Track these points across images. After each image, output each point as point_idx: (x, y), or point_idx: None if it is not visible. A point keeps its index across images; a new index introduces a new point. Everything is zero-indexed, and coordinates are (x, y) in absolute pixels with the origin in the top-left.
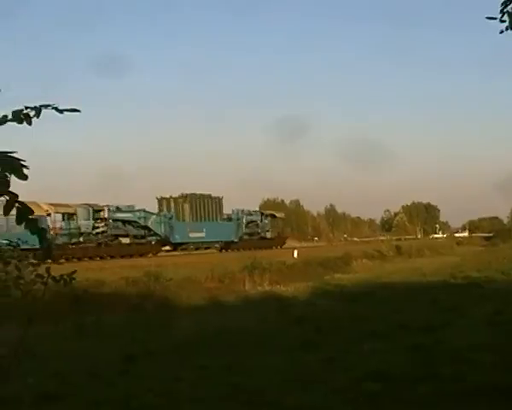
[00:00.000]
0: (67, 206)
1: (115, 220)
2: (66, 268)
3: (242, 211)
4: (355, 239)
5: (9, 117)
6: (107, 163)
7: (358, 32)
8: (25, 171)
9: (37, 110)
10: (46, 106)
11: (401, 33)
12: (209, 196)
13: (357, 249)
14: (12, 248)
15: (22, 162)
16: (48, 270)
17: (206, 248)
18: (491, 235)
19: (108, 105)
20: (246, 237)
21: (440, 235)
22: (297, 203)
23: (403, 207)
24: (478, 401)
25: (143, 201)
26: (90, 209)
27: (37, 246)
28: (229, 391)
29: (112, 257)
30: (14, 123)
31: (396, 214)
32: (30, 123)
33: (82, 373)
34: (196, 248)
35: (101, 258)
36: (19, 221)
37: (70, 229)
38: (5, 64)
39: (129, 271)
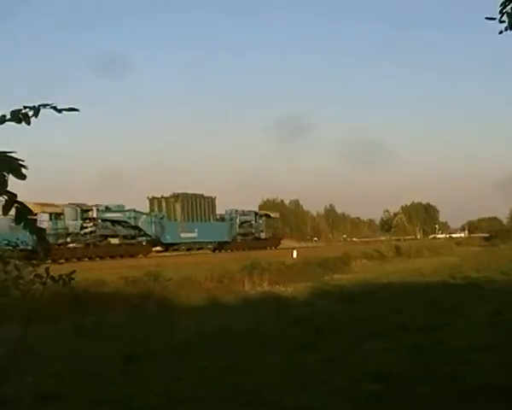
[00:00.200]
0: (54, 205)
1: (104, 220)
2: (66, 268)
3: (236, 211)
4: (354, 239)
5: (8, 117)
6: (107, 163)
7: (358, 32)
8: (23, 171)
9: (36, 110)
10: (45, 105)
11: (401, 33)
12: (201, 196)
13: (356, 250)
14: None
15: (21, 162)
16: (47, 270)
17: (198, 249)
18: (490, 235)
19: (108, 105)
20: (239, 237)
21: (443, 235)
22: (296, 203)
23: (402, 207)
24: (477, 401)
25: (142, 201)
26: (78, 209)
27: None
28: (228, 391)
29: (101, 258)
30: (13, 123)
31: (395, 215)
32: (29, 123)
33: (82, 373)
34: (188, 249)
35: (90, 259)
36: (17, 221)
37: (57, 229)
38: (5, 64)
39: (129, 271)
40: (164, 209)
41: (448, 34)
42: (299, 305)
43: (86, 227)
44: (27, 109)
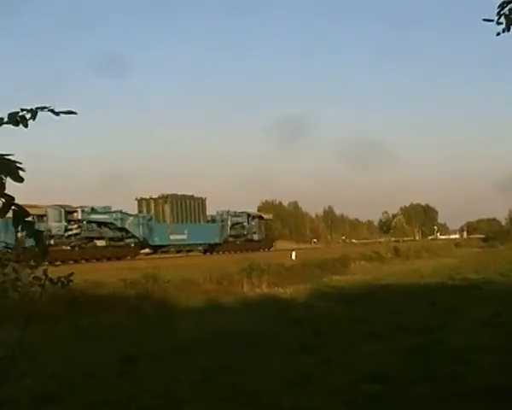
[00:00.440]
0: (36, 207)
1: (90, 222)
2: (62, 270)
3: (227, 212)
4: (353, 241)
5: (5, 119)
6: (106, 165)
7: (358, 32)
8: (21, 173)
9: (34, 112)
10: (42, 108)
11: (401, 34)
12: (191, 197)
13: (355, 251)
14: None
15: (18, 165)
16: (45, 272)
17: (188, 251)
18: (489, 236)
19: (107, 106)
20: (231, 239)
21: (445, 236)
22: (295, 205)
23: (401, 208)
24: (476, 402)
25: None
26: (62, 210)
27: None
28: (228, 393)
29: (87, 260)
30: (10, 125)
31: (394, 216)
32: (26, 125)
33: (80, 375)
34: (178, 251)
35: (76, 261)
36: (15, 224)
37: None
38: (5, 65)
39: (127, 272)
40: (152, 210)
41: (448, 34)
42: (299, 306)
43: (71, 229)
44: (25, 112)
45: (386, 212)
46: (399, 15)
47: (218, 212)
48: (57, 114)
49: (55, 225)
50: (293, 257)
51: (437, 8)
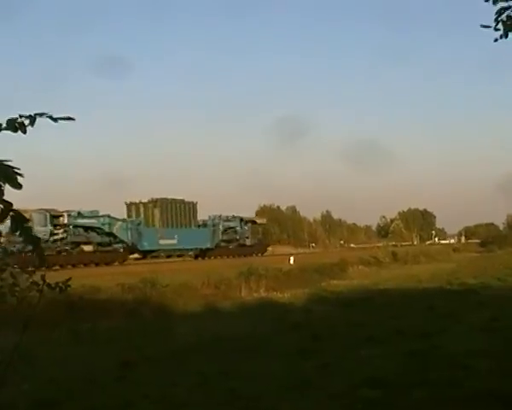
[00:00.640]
0: (21, 211)
1: (76, 227)
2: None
3: (219, 217)
4: (352, 245)
5: (4, 125)
6: (105, 167)
7: (358, 33)
8: (19, 179)
9: (32, 119)
10: (41, 114)
11: (400, 35)
12: (182, 201)
13: (353, 256)
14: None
15: (17, 171)
16: (43, 277)
17: (178, 256)
18: (487, 241)
19: (106, 107)
20: (223, 244)
21: (446, 241)
22: (293, 209)
23: (399, 213)
24: (474, 407)
25: None
26: (48, 215)
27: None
28: (225, 397)
29: (73, 266)
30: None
31: (392, 221)
32: (24, 132)
33: (78, 379)
34: (168, 256)
35: (61, 266)
36: (14, 229)
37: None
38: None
39: (124, 277)
40: (142, 215)
41: (447, 36)
42: (297, 311)
43: (56, 234)
44: (23, 118)
45: (384, 216)
46: (398, 16)
47: (209, 216)
48: (56, 120)
49: (40, 229)
50: (292, 262)
51: (436, 9)
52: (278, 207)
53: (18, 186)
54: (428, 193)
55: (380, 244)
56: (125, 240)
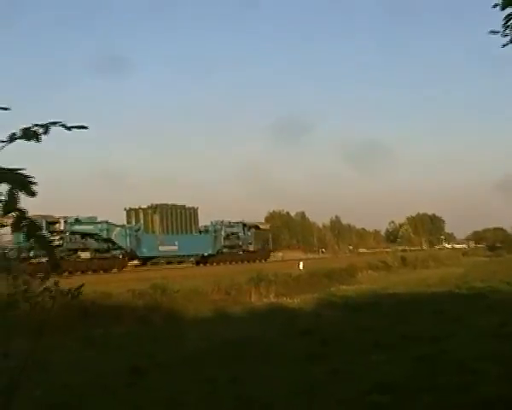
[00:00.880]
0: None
1: (73, 233)
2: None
3: (221, 222)
4: (361, 250)
5: (18, 134)
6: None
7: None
8: (33, 187)
9: (46, 128)
10: (54, 123)
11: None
12: (182, 207)
13: (362, 261)
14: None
15: (30, 179)
16: (56, 283)
17: (179, 263)
18: (496, 245)
19: (104, 106)
20: (225, 250)
21: (453, 246)
22: (302, 215)
23: (408, 218)
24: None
25: None
26: (43, 221)
27: None
28: (235, 403)
29: (70, 273)
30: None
31: (401, 226)
32: (38, 140)
33: (90, 385)
34: (168, 263)
35: (58, 274)
36: (28, 237)
37: (19, 243)
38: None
39: (135, 283)
40: (141, 221)
41: (447, 36)
42: (306, 316)
43: (52, 241)
44: (37, 127)
45: (393, 221)
46: (400, 12)
47: (211, 222)
48: (69, 128)
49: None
50: (301, 267)
51: (439, 7)
52: (288, 213)
53: (32, 194)
54: (437, 198)
55: (389, 249)
56: (124, 246)
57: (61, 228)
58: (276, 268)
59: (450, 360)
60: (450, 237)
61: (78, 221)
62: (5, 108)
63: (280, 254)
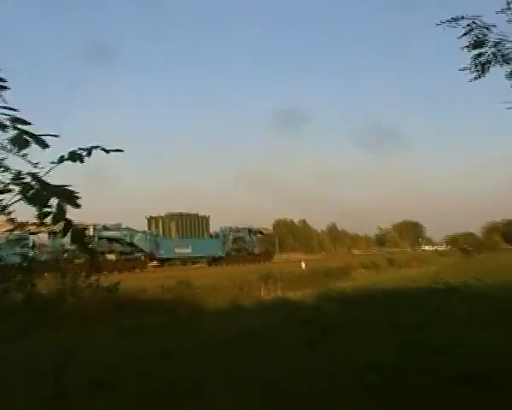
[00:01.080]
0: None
1: (101, 238)
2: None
3: (230, 228)
4: (354, 252)
5: (66, 156)
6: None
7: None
8: (78, 200)
9: (88, 151)
10: (96, 147)
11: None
12: (196, 216)
13: (355, 261)
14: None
15: (76, 194)
16: (97, 281)
17: (192, 263)
18: (467, 248)
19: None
20: (233, 252)
21: (431, 248)
22: (304, 222)
23: (393, 225)
24: (455, 387)
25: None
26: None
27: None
28: (246, 379)
29: (98, 272)
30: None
31: (388, 231)
32: (82, 161)
33: (126, 366)
34: (183, 264)
35: (98, 273)
36: (73, 243)
37: (53, 246)
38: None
39: (163, 280)
40: (160, 227)
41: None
42: (307, 308)
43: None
44: (81, 151)
45: (381, 227)
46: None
47: (221, 228)
48: (107, 151)
49: (68, 241)
50: (303, 266)
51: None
52: (291, 220)
53: (77, 206)
54: (419, 206)
55: (378, 251)
56: (145, 249)
57: (91, 234)
58: (281, 267)
59: (432, 345)
60: (429, 241)
61: (105, 228)
62: (55, 136)
63: (285, 255)
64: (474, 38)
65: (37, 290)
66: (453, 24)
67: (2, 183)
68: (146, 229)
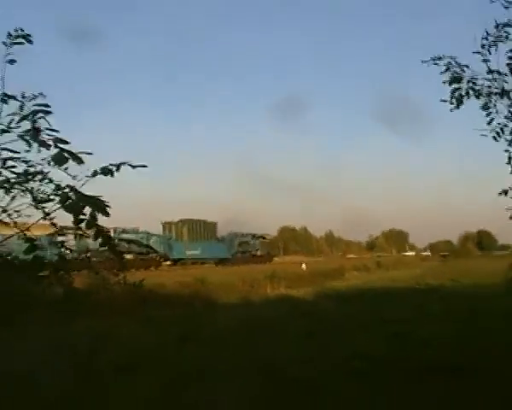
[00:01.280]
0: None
1: (120, 240)
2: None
3: (236, 233)
4: (347, 256)
5: (99, 171)
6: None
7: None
8: (107, 210)
9: (117, 166)
10: (124, 163)
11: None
12: (205, 222)
13: (349, 264)
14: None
15: (106, 204)
16: (124, 277)
17: (201, 264)
18: (445, 254)
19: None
20: (239, 254)
21: (414, 253)
22: (305, 229)
23: (382, 232)
24: (438, 373)
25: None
26: None
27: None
28: (253, 362)
29: (118, 270)
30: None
31: (377, 238)
32: (112, 175)
33: (149, 350)
34: (193, 264)
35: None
36: (103, 245)
37: (79, 247)
38: None
39: (181, 277)
40: (173, 231)
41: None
42: (306, 303)
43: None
44: (112, 166)
45: (371, 235)
46: None
47: (227, 233)
48: (134, 167)
49: (91, 242)
50: (304, 267)
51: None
52: (294, 228)
53: (107, 215)
54: (404, 215)
55: (368, 255)
56: (159, 250)
57: (112, 235)
58: (285, 268)
59: (416, 337)
60: (413, 247)
61: (124, 231)
62: (89, 153)
63: (288, 258)
64: (453, 75)
65: (74, 285)
66: (436, 61)
67: (46, 193)
68: (161, 232)
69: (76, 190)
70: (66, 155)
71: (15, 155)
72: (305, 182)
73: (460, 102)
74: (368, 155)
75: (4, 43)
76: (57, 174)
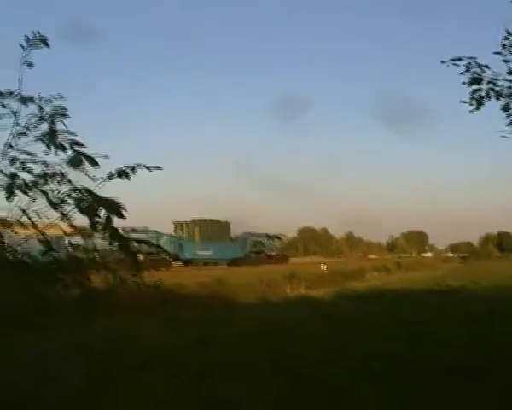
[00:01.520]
0: (86, 228)
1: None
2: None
3: (250, 233)
4: (368, 256)
5: (114, 174)
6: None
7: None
8: (123, 212)
9: (133, 169)
10: (139, 165)
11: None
12: (217, 221)
13: (369, 264)
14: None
15: (122, 206)
16: (142, 278)
17: (214, 264)
18: (466, 255)
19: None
20: (252, 254)
21: (434, 255)
22: (325, 230)
23: (402, 233)
24: (454, 374)
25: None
26: None
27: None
28: (269, 361)
29: (138, 270)
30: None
31: (397, 239)
32: (128, 178)
33: (167, 349)
34: (204, 264)
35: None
36: (119, 246)
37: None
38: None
39: (200, 277)
40: (185, 231)
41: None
42: (326, 304)
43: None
44: (127, 168)
45: (392, 235)
46: None
47: (241, 233)
48: (150, 169)
49: (100, 241)
50: (324, 268)
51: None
52: (314, 228)
53: (122, 217)
54: (425, 216)
55: (389, 256)
56: (169, 251)
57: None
58: (305, 269)
59: (434, 339)
60: (433, 248)
61: (134, 231)
62: (104, 156)
63: (308, 258)
64: (473, 76)
65: (92, 285)
66: (456, 62)
67: (62, 195)
68: (172, 232)
69: (91, 191)
70: (81, 157)
71: (33, 158)
72: (313, 183)
73: (480, 103)
74: (374, 156)
75: (22, 46)
76: (72, 176)
